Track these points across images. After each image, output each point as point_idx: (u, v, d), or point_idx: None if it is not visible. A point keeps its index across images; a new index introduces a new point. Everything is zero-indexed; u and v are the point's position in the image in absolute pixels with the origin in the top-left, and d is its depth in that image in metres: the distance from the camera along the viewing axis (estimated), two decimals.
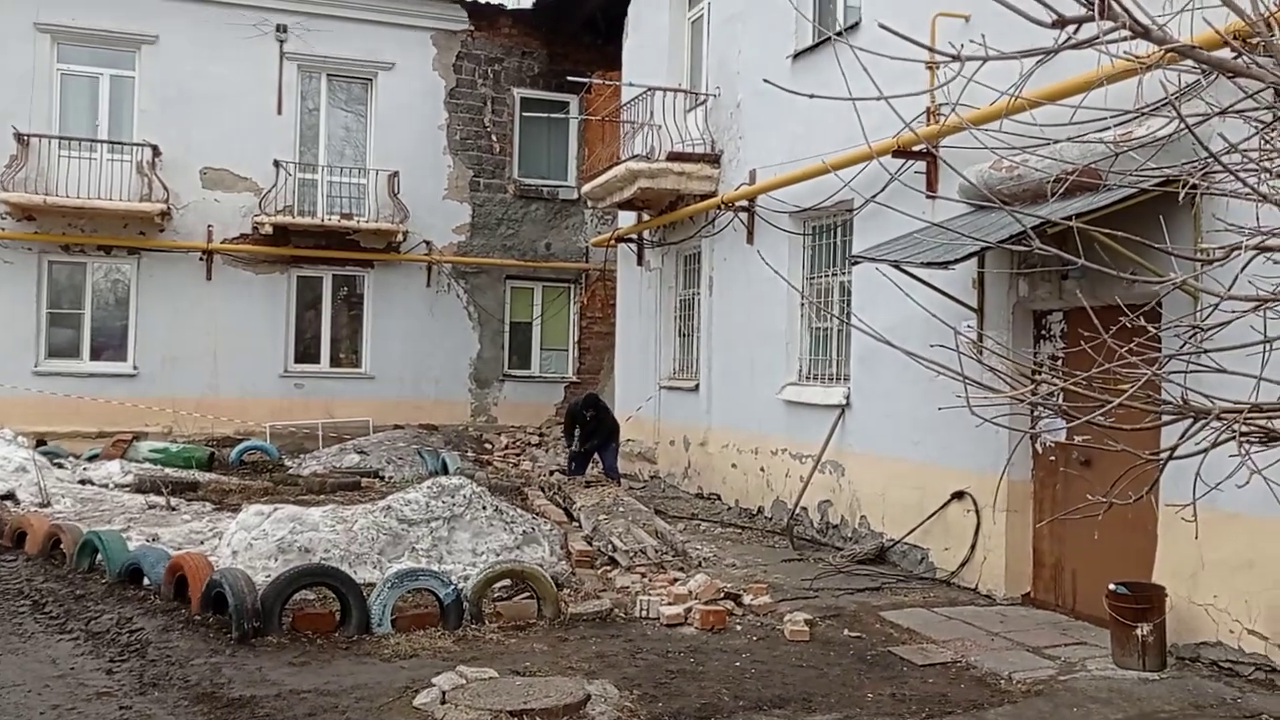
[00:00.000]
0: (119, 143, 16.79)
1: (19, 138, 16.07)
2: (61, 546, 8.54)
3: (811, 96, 3.65)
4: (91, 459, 14.21)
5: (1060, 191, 4.97)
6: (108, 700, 5.50)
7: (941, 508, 8.81)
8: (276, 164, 17.36)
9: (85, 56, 16.97)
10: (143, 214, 16.52)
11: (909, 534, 9.13)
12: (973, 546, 8.47)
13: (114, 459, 13.92)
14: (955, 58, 2.58)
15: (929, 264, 7.41)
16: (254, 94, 17.49)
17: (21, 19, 16.38)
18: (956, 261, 7.22)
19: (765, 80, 7.83)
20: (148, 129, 16.91)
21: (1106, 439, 3.36)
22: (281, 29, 17.62)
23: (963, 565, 8.56)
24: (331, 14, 17.86)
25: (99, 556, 8.05)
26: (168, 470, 13.48)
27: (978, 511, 8.44)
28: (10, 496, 10.64)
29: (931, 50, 2.97)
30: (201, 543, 8.93)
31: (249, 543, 7.99)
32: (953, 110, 3.98)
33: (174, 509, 11.02)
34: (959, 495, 8.65)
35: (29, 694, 5.57)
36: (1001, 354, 6.20)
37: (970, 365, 4.36)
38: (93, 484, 12.36)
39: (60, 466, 13.04)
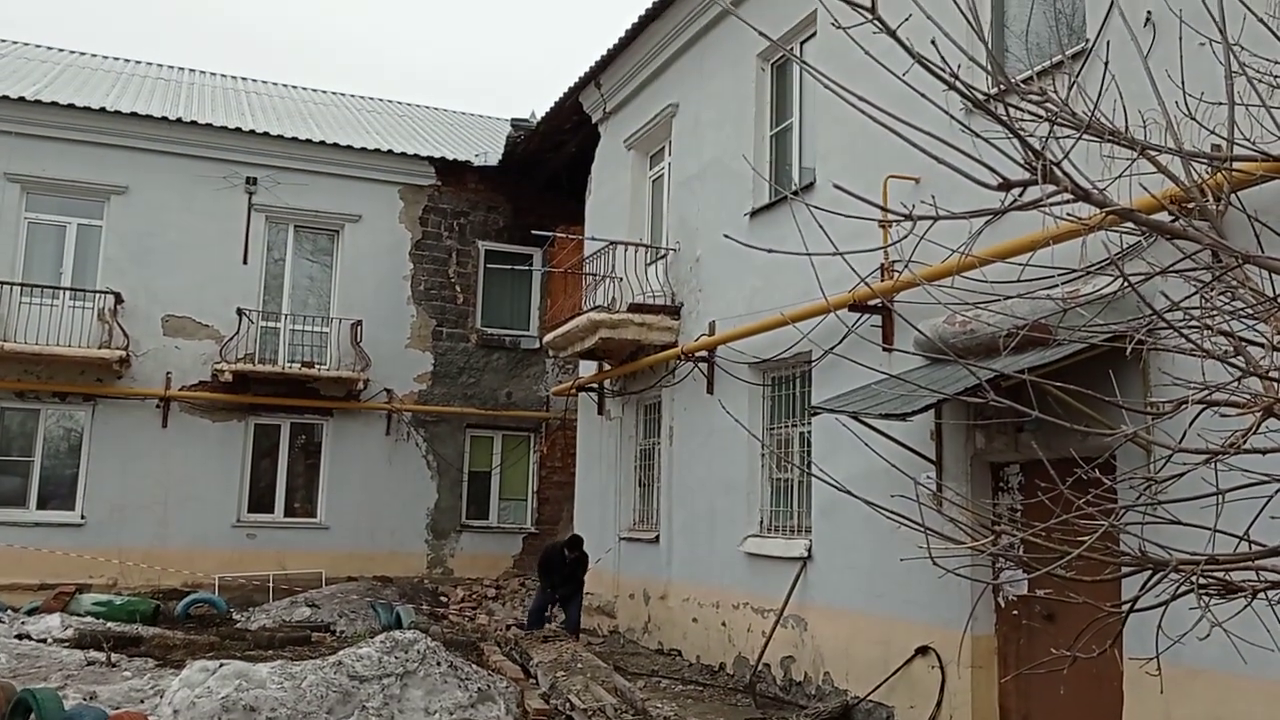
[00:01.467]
0: (81, 290, 16.82)
1: None
2: None
3: (770, 251, 3.76)
4: (31, 612, 13.67)
5: (1013, 346, 5.10)
6: None
7: (905, 663, 8.67)
8: (240, 312, 17.43)
9: (53, 205, 17.14)
10: (101, 360, 16.41)
11: (873, 691, 8.96)
12: (938, 704, 8.31)
13: (55, 612, 13.39)
14: (907, 217, 2.69)
15: (887, 415, 7.51)
16: (221, 244, 17.68)
17: None
18: (914, 413, 7.32)
19: (726, 235, 8.08)
20: (112, 277, 16.98)
21: (1068, 591, 3.36)
22: (251, 181, 17.96)
23: None
24: (301, 168, 18.26)
25: (32, 717, 7.66)
26: (110, 624, 12.97)
27: (942, 667, 8.31)
28: None
29: (885, 209, 3.09)
30: (142, 701, 8.54)
31: (192, 701, 7.67)
32: (906, 267, 4.11)
33: (114, 665, 10.57)
34: (923, 650, 8.54)
35: None
36: (962, 505, 6.24)
37: (931, 517, 4.38)
38: (31, 639, 11.84)
39: None
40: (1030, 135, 3.03)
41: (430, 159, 19.16)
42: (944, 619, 8.26)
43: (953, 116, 3.23)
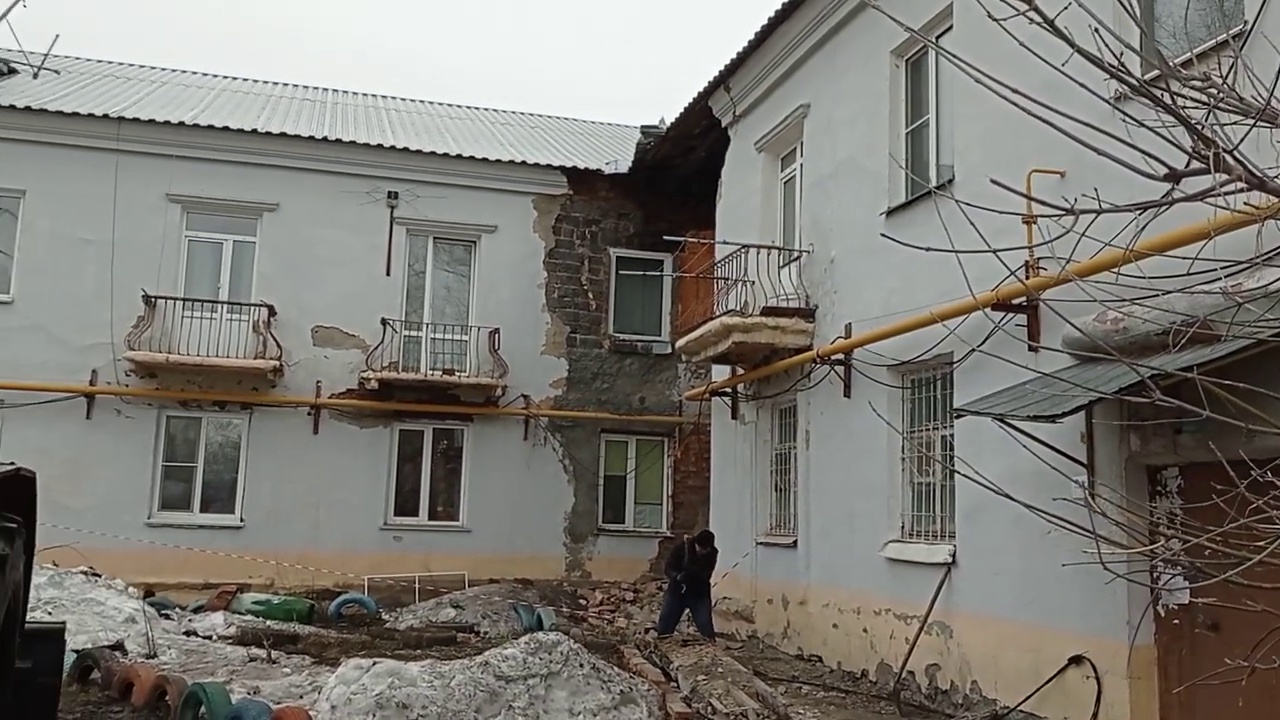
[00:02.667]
0: (238, 303, 17.68)
1: (147, 299, 17.04)
2: (167, 698, 8.62)
3: (927, 250, 3.70)
4: (197, 610, 14.45)
5: (1181, 343, 4.88)
6: None
7: (1058, 673, 8.39)
8: (384, 322, 18.03)
9: (211, 224, 18.06)
10: (256, 370, 17.22)
11: (1024, 701, 8.69)
12: (1094, 716, 8.01)
13: (218, 611, 14.14)
14: (1069, 211, 2.62)
15: (1035, 417, 7.28)
16: (365, 256, 18.35)
17: (155, 191, 17.58)
18: (1065, 414, 7.08)
19: (884, 235, 7.96)
20: (265, 290, 17.79)
21: (1244, 599, 3.21)
22: (393, 195, 18.58)
23: None
24: (440, 181, 18.80)
25: (202, 709, 8.09)
26: (269, 622, 13.62)
27: (1098, 678, 8.01)
28: (119, 647, 10.82)
29: (1044, 204, 3.01)
30: (301, 696, 8.93)
31: (348, 697, 7.96)
32: (1064, 264, 3.99)
33: (274, 662, 11.08)
34: (1077, 660, 8.24)
35: None
36: (1123, 510, 5.99)
37: (1084, 522, 4.23)
38: (197, 635, 12.53)
39: (167, 617, 13.27)
40: (1194, 121, 2.91)
41: (562, 168, 19.48)
42: (1098, 627, 7.97)
43: (1112, 104, 3.12)
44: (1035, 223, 7.62)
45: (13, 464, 4.73)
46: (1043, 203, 3.06)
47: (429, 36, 64.99)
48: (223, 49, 55.69)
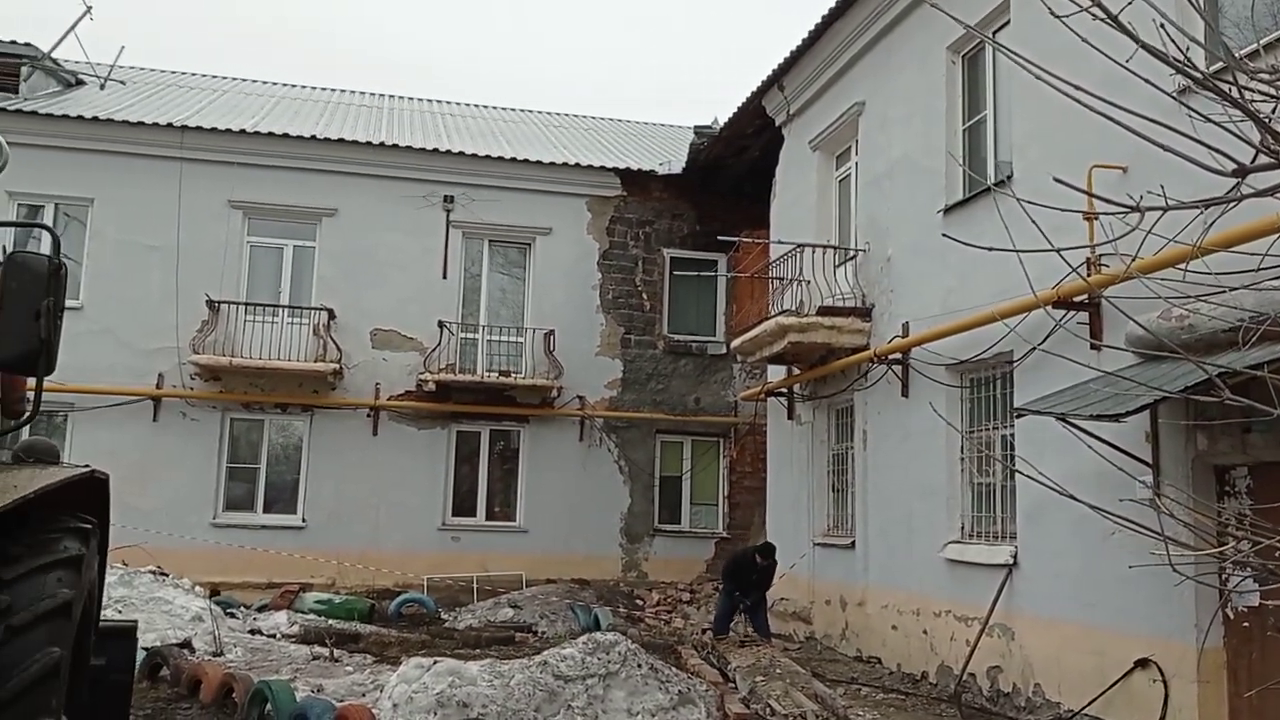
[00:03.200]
0: (298, 307, 17.97)
1: (211, 305, 17.39)
2: (233, 695, 8.80)
3: (988, 250, 3.67)
4: (261, 609, 14.72)
5: (1250, 340, 4.78)
6: None
7: (1124, 676, 8.25)
8: (441, 324, 18.22)
9: (272, 229, 18.39)
10: (317, 373, 17.50)
11: (1089, 704, 8.56)
12: (1162, 719, 7.87)
13: (282, 610, 14.40)
14: (1134, 208, 2.58)
15: (1099, 416, 7.17)
16: (422, 260, 18.56)
17: (217, 198, 17.94)
18: (1129, 414, 6.97)
19: (945, 235, 7.88)
20: (325, 294, 18.08)
21: None
22: (449, 199, 18.77)
23: None
24: (494, 184, 18.95)
25: (268, 706, 8.25)
26: (331, 621, 13.83)
27: (1165, 681, 7.86)
28: (187, 645, 11.06)
29: (1107, 201, 2.97)
30: (363, 694, 9.06)
31: (409, 696, 8.07)
32: (1129, 263, 3.93)
33: (337, 660, 11.27)
34: (1143, 663, 8.10)
35: None
36: (1190, 510, 5.89)
37: (1149, 523, 4.15)
38: (262, 634, 12.77)
39: (232, 616, 13.54)
40: (1261, 115, 2.86)
41: (615, 170, 19.54)
42: (1164, 630, 7.83)
43: (1175, 98, 3.07)
44: (1097, 219, 7.50)
45: (87, 466, 4.87)
46: (1106, 200, 3.02)
47: (463, 38, 65.53)
48: (240, 51, 56.63)
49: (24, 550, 4.11)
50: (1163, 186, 3.14)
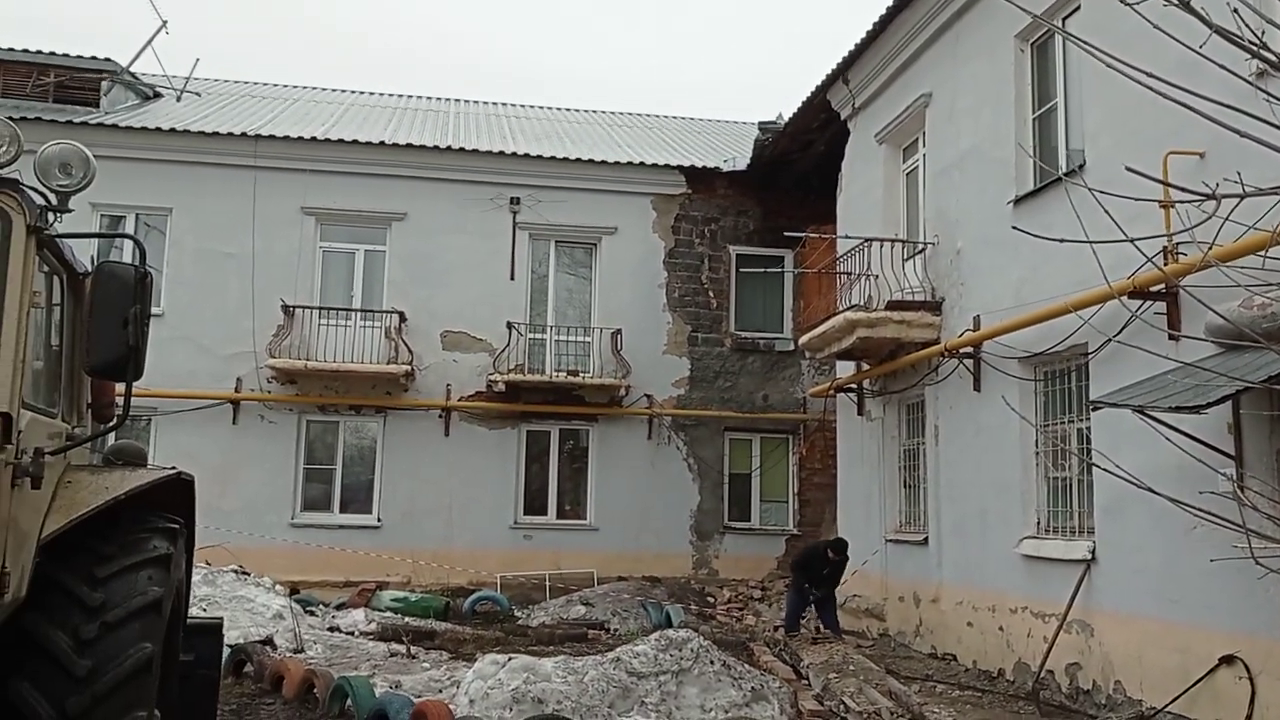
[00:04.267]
0: (370, 311, 18.29)
1: (286, 309, 17.78)
2: (315, 691, 9.00)
3: (1060, 241, 3.63)
4: (339, 607, 15.02)
5: None
6: None
7: (1208, 673, 8.06)
8: (509, 325, 18.40)
9: (343, 234, 18.74)
10: (389, 375, 17.80)
11: (1172, 702, 8.37)
12: (1249, 718, 7.67)
13: (359, 607, 14.67)
14: (1210, 195, 2.54)
15: (1178, 408, 7.02)
16: (490, 262, 18.76)
17: (290, 204, 18.33)
18: (1210, 405, 6.81)
19: (1015, 228, 7.77)
20: (396, 297, 18.37)
21: None
22: (515, 201, 18.95)
23: None
24: (560, 185, 19.08)
25: (349, 702, 8.43)
26: (407, 619, 14.06)
27: (1251, 679, 7.67)
28: (269, 642, 11.34)
29: (1183, 190, 2.92)
30: (440, 690, 9.21)
31: (485, 692, 8.19)
32: (1206, 251, 3.85)
33: (414, 657, 11.46)
34: (1228, 660, 7.91)
35: None
36: (1276, 502, 5.74)
37: (1231, 517, 4.07)
38: (340, 631, 13.03)
39: (311, 614, 13.84)
40: None
41: (680, 168, 19.55)
42: (1250, 626, 7.64)
43: (1251, 83, 3.01)
44: (1173, 207, 7.34)
45: (173, 468, 5.03)
46: (1182, 189, 2.97)
47: (525, 38, 65.94)
48: (311, 59, 57.57)
49: (116, 550, 4.26)
50: (1239, 173, 3.08)
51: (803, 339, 15.59)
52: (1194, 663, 8.19)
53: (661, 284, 19.38)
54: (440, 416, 18.39)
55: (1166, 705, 8.43)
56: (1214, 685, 8.02)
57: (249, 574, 13.97)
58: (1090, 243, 3.30)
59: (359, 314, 18.26)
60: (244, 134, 18.33)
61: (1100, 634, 9.49)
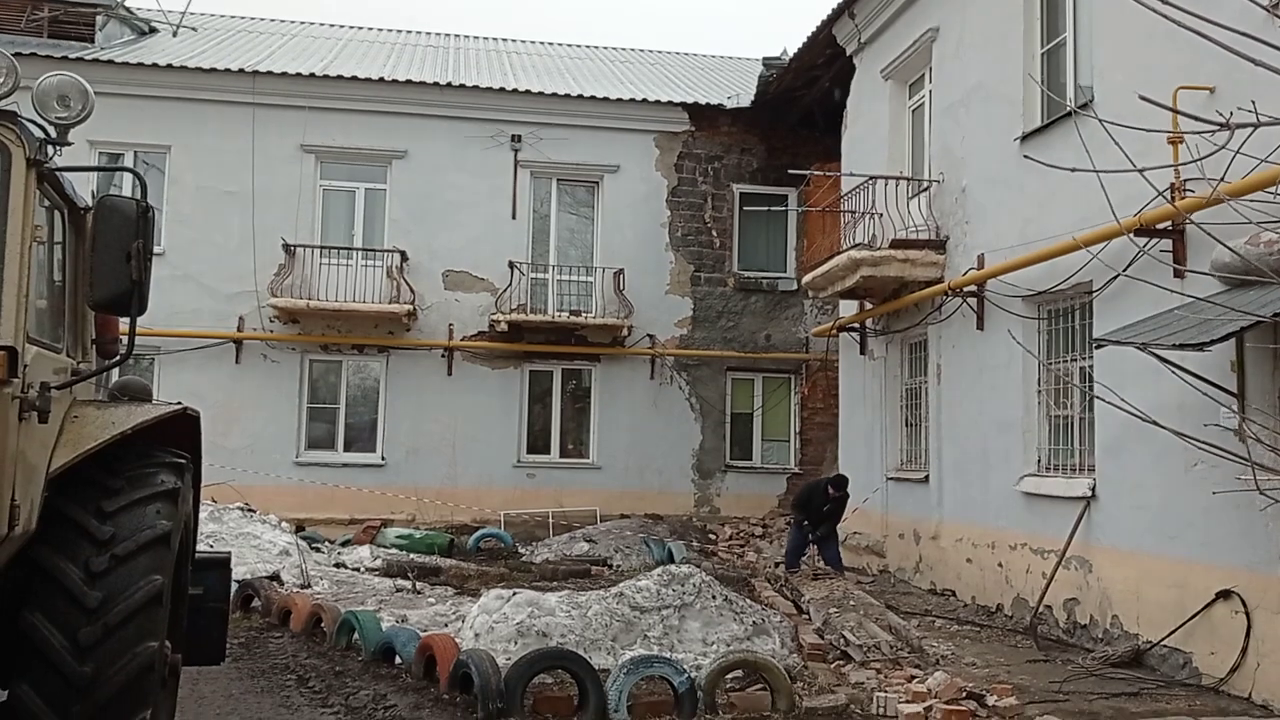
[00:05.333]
0: (371, 250, 18.22)
1: (287, 248, 17.71)
2: (322, 625, 9.14)
3: (1071, 170, 3.59)
4: (345, 544, 15.17)
5: None
6: None
7: (1205, 608, 8.14)
8: (511, 265, 18.35)
9: (343, 172, 18.60)
10: (391, 315, 17.78)
11: (1168, 636, 8.48)
12: (1243, 651, 7.77)
13: (364, 544, 14.83)
14: (1223, 125, 2.51)
15: (1182, 346, 7.01)
16: (491, 200, 18.64)
17: (289, 142, 18.16)
18: (1214, 342, 6.80)
19: (1027, 157, 7.68)
20: (397, 236, 18.29)
21: None
22: (516, 139, 18.77)
23: (1232, 672, 7.86)
24: (561, 122, 18.89)
25: (355, 635, 8.56)
26: (412, 555, 14.21)
27: (1248, 613, 7.75)
28: (276, 577, 11.48)
29: (1195, 118, 2.88)
30: (445, 625, 9.34)
31: (490, 625, 8.29)
32: (1215, 186, 3.81)
33: (419, 592, 11.60)
34: (1225, 594, 7.98)
35: None
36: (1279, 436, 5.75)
37: (1235, 453, 4.10)
38: (346, 567, 13.18)
39: (317, 550, 13.99)
40: None
41: (683, 104, 19.34)
42: (1248, 561, 7.71)
43: (1269, 10, 2.95)
44: (1183, 141, 7.26)
45: (179, 403, 5.04)
46: (1195, 117, 2.93)
47: None
48: None
49: (124, 484, 4.29)
50: (1254, 102, 3.04)
51: (806, 278, 15.54)
52: (1191, 598, 8.28)
53: (664, 223, 19.27)
54: (443, 356, 18.40)
55: (1162, 639, 8.53)
56: (1210, 619, 8.11)
57: (255, 511, 14.09)
58: (1098, 172, 3.27)
59: (360, 253, 18.18)
60: (241, 70, 18.11)
61: (1098, 570, 9.58)
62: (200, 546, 5.95)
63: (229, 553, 6.17)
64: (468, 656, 7.12)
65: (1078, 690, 7.98)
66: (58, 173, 4.41)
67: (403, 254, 18.10)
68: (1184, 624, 8.30)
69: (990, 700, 7.37)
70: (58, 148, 4.28)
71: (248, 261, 17.73)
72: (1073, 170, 3.64)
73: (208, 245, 17.75)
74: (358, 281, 17.77)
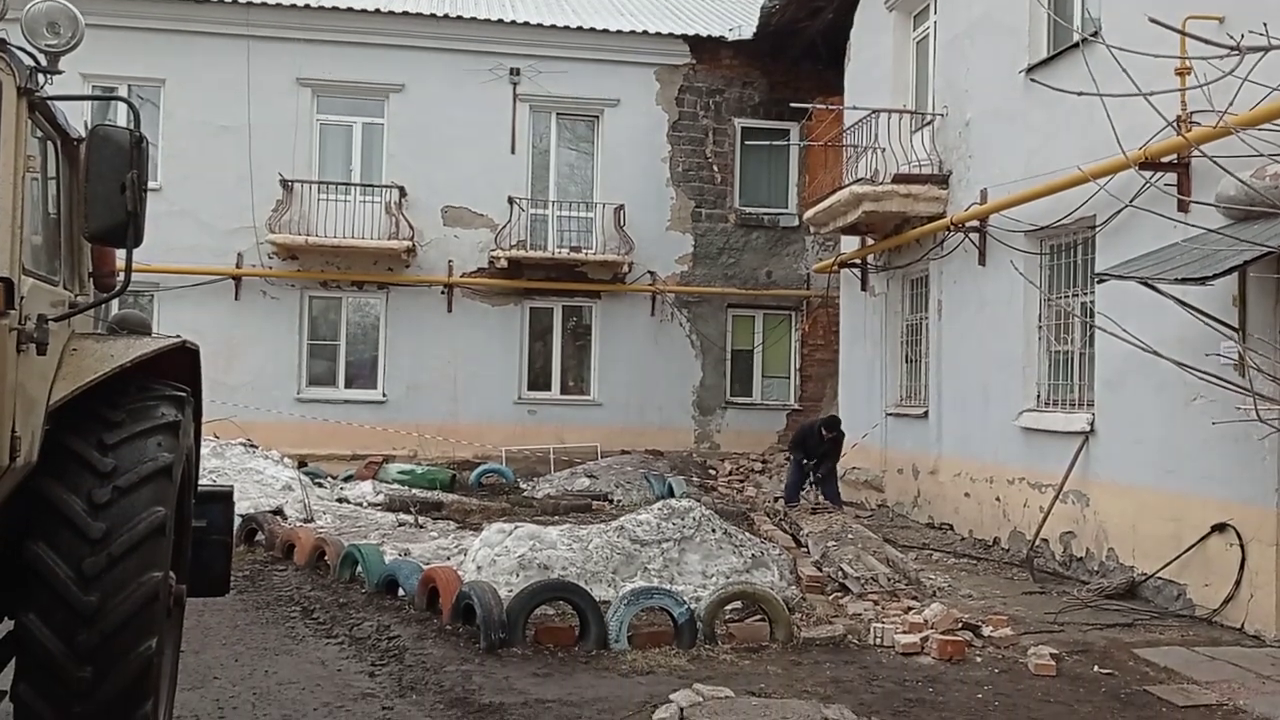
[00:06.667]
0: (370, 185, 18.08)
1: (284, 184, 17.57)
2: (325, 558, 9.23)
3: (1078, 94, 3.54)
4: (347, 479, 15.28)
5: None
6: (371, 701, 5.90)
7: (1200, 540, 8.22)
8: (510, 201, 18.22)
9: (340, 106, 18.39)
10: (390, 251, 17.69)
11: (1163, 568, 8.57)
12: (1237, 583, 7.86)
13: (366, 480, 14.92)
14: (1235, 48, 2.46)
15: (1184, 280, 6.98)
16: (490, 135, 18.44)
17: (285, 76, 17.92)
18: (1217, 276, 6.77)
19: (1032, 78, 7.56)
20: (395, 171, 18.13)
21: None
22: (515, 72, 18.53)
23: (1226, 603, 7.96)
24: (561, 55, 18.63)
25: (359, 568, 8.65)
26: (414, 491, 14.31)
27: (1243, 545, 7.82)
28: (279, 512, 11.56)
29: (1206, 42, 2.83)
30: (448, 558, 9.43)
31: (492, 558, 8.37)
32: (1221, 116, 3.76)
33: (421, 526, 11.70)
34: (1220, 527, 8.05)
35: (303, 691, 6.04)
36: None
37: (1235, 391, 4.11)
38: (349, 502, 13.28)
39: (320, 486, 14.08)
40: None
41: (684, 37, 19.06)
42: (1245, 495, 7.76)
43: None
44: (1191, 72, 7.16)
45: (178, 336, 5.02)
46: (1204, 40, 2.88)
47: None
48: None
49: (125, 417, 4.28)
50: (1265, 24, 2.98)
51: (808, 213, 15.44)
52: (1187, 530, 8.35)
53: (665, 158, 19.09)
54: (443, 293, 18.35)
55: (1157, 571, 8.62)
56: (1205, 552, 8.19)
57: (257, 447, 14.16)
58: (1108, 95, 3.22)
59: (358, 189, 18.05)
60: (235, 1, 17.80)
61: (1096, 503, 9.65)
62: (203, 482, 5.97)
63: (232, 486, 6.19)
64: (470, 588, 7.20)
65: (1072, 621, 8.09)
66: (49, 102, 4.35)
67: (401, 189, 17.97)
68: (1179, 556, 8.38)
69: (986, 631, 7.47)
70: (49, 76, 4.21)
71: (245, 197, 17.59)
72: (1079, 94, 3.59)
73: (204, 181, 17.59)
74: (356, 217, 17.67)
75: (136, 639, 3.88)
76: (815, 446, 13.19)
